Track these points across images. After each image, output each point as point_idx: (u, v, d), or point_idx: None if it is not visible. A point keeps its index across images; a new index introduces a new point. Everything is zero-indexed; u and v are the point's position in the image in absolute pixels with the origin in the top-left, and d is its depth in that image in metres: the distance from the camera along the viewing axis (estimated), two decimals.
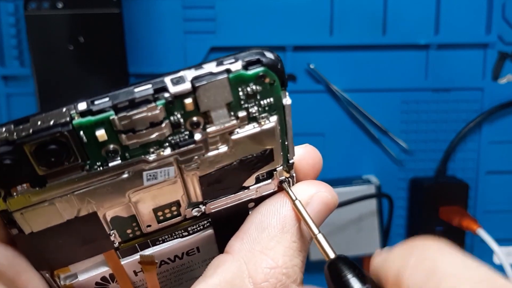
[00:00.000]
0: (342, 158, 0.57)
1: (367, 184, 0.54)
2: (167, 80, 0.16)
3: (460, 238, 0.56)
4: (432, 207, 0.55)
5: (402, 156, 0.57)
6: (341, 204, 0.52)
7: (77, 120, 0.16)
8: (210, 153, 0.18)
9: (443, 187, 0.55)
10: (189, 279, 0.23)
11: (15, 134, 0.16)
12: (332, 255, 0.18)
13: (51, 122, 0.16)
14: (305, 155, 0.21)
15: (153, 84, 0.16)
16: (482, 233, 0.51)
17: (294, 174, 0.21)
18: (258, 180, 0.20)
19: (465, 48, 0.55)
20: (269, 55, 0.17)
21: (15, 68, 0.53)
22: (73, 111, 0.16)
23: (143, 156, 0.17)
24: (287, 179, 0.20)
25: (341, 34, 0.54)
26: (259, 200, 0.20)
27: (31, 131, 0.16)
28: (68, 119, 0.16)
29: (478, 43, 0.55)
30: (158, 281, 0.21)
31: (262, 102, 0.18)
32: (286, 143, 0.19)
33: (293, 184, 0.21)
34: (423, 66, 0.55)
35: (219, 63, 0.17)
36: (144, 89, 0.16)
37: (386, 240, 0.57)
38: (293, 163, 0.20)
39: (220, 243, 0.21)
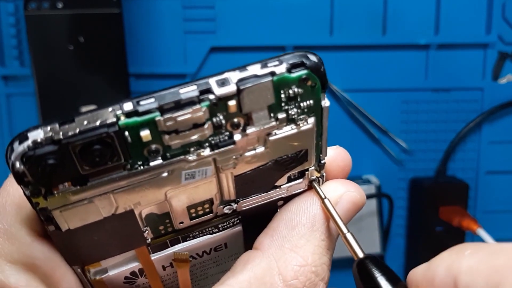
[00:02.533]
0: None
1: (367, 184, 0.54)
2: (212, 81, 0.16)
3: (460, 238, 0.56)
4: (432, 207, 0.55)
5: (402, 156, 0.57)
6: None
7: (123, 120, 0.16)
8: (247, 153, 0.18)
9: (443, 187, 0.56)
10: (214, 273, 0.23)
11: (61, 133, 0.15)
12: (361, 255, 0.18)
13: (98, 122, 0.16)
14: (336, 156, 0.22)
15: (198, 86, 0.16)
16: (482, 233, 0.51)
17: (324, 174, 0.21)
18: (289, 180, 0.20)
19: (465, 48, 0.55)
20: (313, 58, 0.17)
21: (15, 68, 0.53)
22: (119, 111, 0.16)
23: (183, 156, 0.17)
24: (317, 178, 0.20)
25: (341, 34, 0.54)
26: (288, 198, 0.21)
27: (77, 131, 0.16)
28: (114, 119, 0.16)
29: (478, 43, 0.55)
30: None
31: (302, 104, 0.18)
32: (320, 143, 0.19)
33: (322, 184, 0.21)
34: (423, 66, 0.55)
35: (264, 66, 0.17)
36: (189, 91, 0.16)
37: (386, 240, 0.57)
38: (324, 163, 0.20)
39: (247, 239, 0.22)
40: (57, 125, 0.16)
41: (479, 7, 0.54)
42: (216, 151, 0.17)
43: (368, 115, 0.56)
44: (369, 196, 0.54)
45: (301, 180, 0.20)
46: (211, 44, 0.54)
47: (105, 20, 0.50)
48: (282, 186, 0.20)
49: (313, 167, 0.20)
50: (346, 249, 0.19)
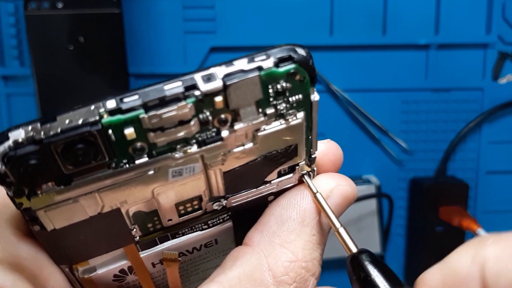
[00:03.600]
0: None
1: (367, 184, 0.54)
2: (198, 77, 0.16)
3: (460, 238, 0.55)
4: (432, 207, 0.55)
5: (402, 156, 0.57)
6: None
7: (107, 118, 0.15)
8: (236, 149, 0.18)
9: (443, 187, 0.55)
10: (205, 269, 0.23)
11: (42, 133, 0.15)
12: (354, 249, 0.18)
13: (80, 121, 0.15)
14: (327, 151, 0.21)
15: (183, 82, 0.16)
16: (482, 233, 0.51)
17: (315, 168, 0.21)
18: (279, 175, 0.20)
19: (465, 48, 0.55)
20: (301, 51, 0.17)
21: (15, 68, 0.53)
22: (102, 109, 0.15)
23: (170, 154, 0.17)
24: (308, 173, 0.20)
25: (341, 34, 0.54)
26: (278, 193, 0.20)
27: (59, 130, 0.15)
28: (97, 117, 0.15)
29: (478, 43, 0.55)
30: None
31: (290, 99, 0.17)
32: (310, 137, 0.19)
33: (313, 178, 0.21)
34: (423, 66, 0.55)
35: (250, 60, 0.16)
36: (174, 87, 0.16)
37: (386, 240, 0.57)
38: (315, 157, 0.20)
39: (238, 234, 0.21)
40: (38, 124, 0.15)
41: (479, 7, 0.54)
42: (204, 148, 0.17)
43: (368, 115, 0.56)
44: (369, 196, 0.54)
45: (291, 175, 0.20)
46: (211, 44, 0.54)
47: (105, 20, 0.50)
48: (272, 181, 0.20)
49: (303, 162, 0.20)
50: (343, 248, 0.19)
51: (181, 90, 0.16)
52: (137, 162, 0.16)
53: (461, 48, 0.55)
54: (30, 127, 0.15)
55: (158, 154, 0.17)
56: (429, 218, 0.55)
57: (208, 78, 0.16)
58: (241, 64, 0.16)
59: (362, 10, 0.54)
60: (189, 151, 0.17)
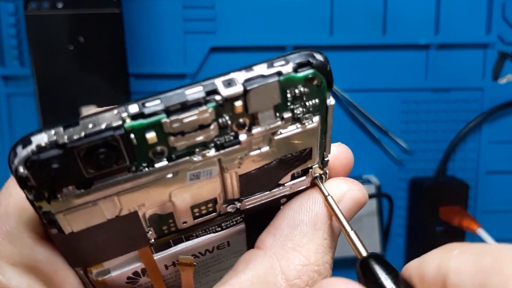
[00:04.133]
0: None
1: (367, 184, 0.54)
2: (218, 82, 0.16)
3: (460, 238, 0.56)
4: (432, 207, 0.55)
5: (402, 156, 0.57)
6: None
7: (129, 123, 0.16)
8: (253, 153, 0.18)
9: (443, 187, 0.56)
10: (216, 271, 0.23)
11: (65, 137, 0.15)
12: (364, 253, 0.18)
13: (103, 125, 0.15)
14: (338, 154, 0.22)
15: (204, 87, 0.16)
16: (482, 233, 0.51)
17: (327, 171, 0.21)
18: (293, 177, 0.20)
19: (465, 48, 0.55)
20: (319, 57, 0.18)
21: (15, 68, 0.53)
22: (124, 114, 0.16)
23: (189, 157, 0.17)
24: (320, 176, 0.20)
25: (341, 34, 0.54)
26: (291, 196, 0.21)
27: (83, 134, 0.15)
28: (120, 122, 0.16)
29: (478, 43, 0.55)
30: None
31: (307, 103, 0.18)
32: (324, 141, 0.19)
33: (325, 181, 0.21)
34: (423, 66, 0.55)
35: (270, 65, 0.17)
36: (195, 92, 0.16)
37: (386, 240, 0.57)
38: (327, 160, 0.20)
39: (250, 237, 0.22)
40: (61, 129, 0.15)
41: (479, 7, 0.54)
42: (222, 151, 0.17)
43: (368, 115, 0.56)
44: (369, 196, 0.53)
45: (304, 177, 0.20)
46: (211, 44, 0.54)
47: (105, 20, 0.50)
48: (286, 184, 0.20)
49: (316, 165, 0.20)
50: (349, 248, 0.19)
51: (203, 95, 0.16)
52: (157, 165, 0.17)
53: (461, 48, 0.55)
54: (53, 132, 0.15)
55: (177, 157, 0.17)
56: (429, 218, 0.55)
57: (229, 83, 0.16)
58: (261, 69, 0.17)
59: (362, 10, 0.54)
60: (207, 154, 0.17)
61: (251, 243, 0.21)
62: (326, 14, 0.54)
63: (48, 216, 0.17)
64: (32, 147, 0.15)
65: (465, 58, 0.55)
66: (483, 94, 0.56)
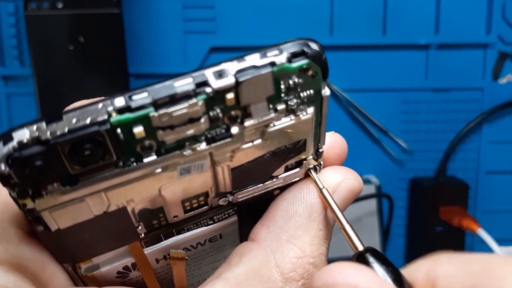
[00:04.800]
0: None
1: (367, 184, 0.54)
2: (209, 73, 0.16)
3: (460, 238, 0.56)
4: (432, 207, 0.55)
5: (402, 156, 0.57)
6: None
7: (115, 117, 0.15)
8: (245, 146, 0.17)
9: (443, 187, 0.55)
10: (208, 263, 0.23)
11: (48, 133, 0.15)
12: (360, 247, 0.18)
13: (88, 120, 0.15)
14: (332, 144, 0.21)
15: (194, 78, 0.15)
16: (482, 233, 0.51)
17: (321, 162, 0.20)
18: (287, 169, 0.20)
19: (465, 48, 0.55)
20: (314, 46, 0.17)
21: (15, 68, 0.53)
22: (110, 108, 0.15)
23: (178, 151, 0.16)
24: (314, 167, 0.20)
25: (341, 34, 0.54)
26: (284, 187, 0.20)
27: (66, 130, 0.15)
28: (105, 116, 0.15)
29: (478, 43, 0.55)
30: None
31: (302, 94, 0.17)
32: (318, 132, 0.19)
33: (319, 171, 0.20)
34: (423, 66, 0.55)
35: (263, 55, 0.16)
36: (185, 84, 0.15)
37: (386, 240, 0.57)
38: (322, 151, 0.20)
39: (243, 229, 0.21)
40: (43, 124, 0.15)
41: (479, 7, 0.54)
42: (213, 145, 0.17)
43: (368, 115, 0.56)
44: (369, 196, 0.54)
45: (298, 169, 0.20)
46: (211, 44, 0.54)
47: (105, 20, 0.50)
48: (279, 176, 0.19)
49: (311, 156, 0.19)
50: (348, 248, 0.19)
51: (192, 87, 0.15)
52: (145, 160, 0.16)
53: (461, 48, 0.55)
54: (35, 127, 0.15)
55: (166, 152, 0.16)
56: (429, 218, 0.55)
57: (220, 75, 0.16)
58: (253, 59, 0.16)
59: (362, 10, 0.54)
60: (198, 148, 0.16)
61: (244, 236, 0.20)
62: (326, 14, 0.54)
63: (33, 214, 0.16)
64: (14, 143, 0.15)
65: (465, 58, 0.55)
66: (483, 94, 0.56)
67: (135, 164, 0.16)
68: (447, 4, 0.54)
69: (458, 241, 0.56)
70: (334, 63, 0.55)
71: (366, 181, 0.55)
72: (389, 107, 0.56)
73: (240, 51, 0.58)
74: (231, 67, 0.16)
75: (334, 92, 0.55)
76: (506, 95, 0.56)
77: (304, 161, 0.20)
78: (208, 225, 0.21)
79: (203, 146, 0.17)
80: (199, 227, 0.20)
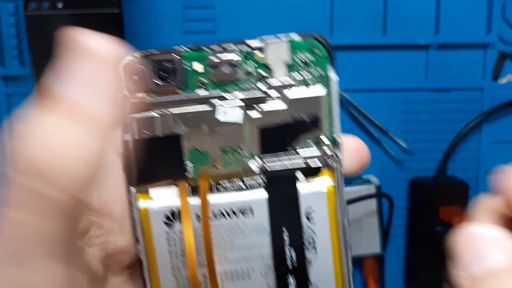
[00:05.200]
0: None
1: (367, 184, 0.54)
2: (245, 40, 0.22)
3: None
4: (432, 207, 0.55)
5: (402, 156, 0.57)
6: None
7: (185, 51, 0.21)
8: (272, 106, 0.21)
9: (443, 187, 0.56)
10: (241, 247, 0.22)
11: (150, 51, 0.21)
12: None
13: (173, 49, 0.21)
14: (361, 151, 0.22)
15: (237, 42, 0.22)
16: None
17: (340, 157, 0.22)
18: (306, 145, 0.22)
19: (465, 48, 0.55)
20: (320, 35, 0.21)
21: (15, 68, 0.53)
22: (185, 48, 0.21)
23: (223, 93, 0.21)
24: (332, 156, 0.22)
25: (341, 34, 0.54)
26: (308, 172, 0.22)
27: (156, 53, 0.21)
28: (181, 50, 0.21)
29: (478, 43, 0.55)
30: (213, 235, 0.22)
31: (312, 71, 0.21)
32: (332, 116, 0.21)
33: (340, 169, 0.22)
34: (423, 66, 0.55)
35: (277, 37, 0.21)
36: (230, 43, 0.22)
37: (386, 240, 0.57)
38: (340, 143, 0.22)
39: (272, 213, 0.22)
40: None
41: (479, 7, 0.54)
42: (247, 95, 0.21)
43: (368, 115, 0.56)
44: (369, 196, 0.54)
45: (315, 147, 0.22)
46: None
47: (105, 20, 0.50)
48: (299, 150, 0.22)
49: (327, 139, 0.22)
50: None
51: (234, 47, 0.21)
52: (199, 92, 0.21)
53: (461, 48, 0.55)
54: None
55: (214, 90, 0.21)
56: (429, 218, 0.55)
57: (251, 39, 0.22)
58: (271, 37, 0.22)
59: (362, 10, 0.54)
60: (237, 93, 0.21)
61: (274, 223, 0.21)
62: (326, 14, 0.54)
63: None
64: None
65: (465, 58, 0.55)
66: (483, 94, 0.56)
67: (191, 93, 0.21)
68: (447, 4, 0.54)
69: None
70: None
71: (366, 181, 0.55)
72: (389, 107, 0.56)
73: None
74: (258, 39, 0.22)
75: None
76: (506, 95, 0.56)
77: (321, 139, 0.22)
78: (241, 189, 0.22)
79: (240, 95, 0.21)
80: (233, 191, 0.22)
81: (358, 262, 0.57)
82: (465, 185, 0.55)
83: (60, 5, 0.49)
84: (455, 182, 0.56)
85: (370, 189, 0.54)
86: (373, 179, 0.56)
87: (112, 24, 0.50)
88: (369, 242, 0.55)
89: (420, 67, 0.55)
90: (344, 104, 0.55)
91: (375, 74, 0.55)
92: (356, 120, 0.56)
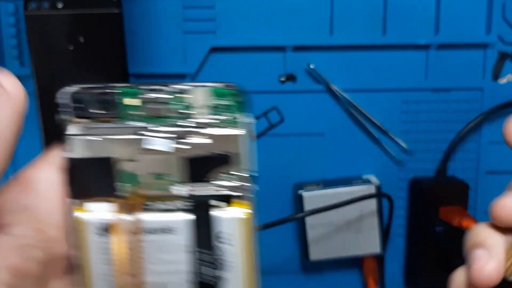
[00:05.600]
0: (342, 158, 0.57)
1: (367, 184, 0.54)
2: (177, 83, 0.24)
3: (460, 238, 0.55)
4: (432, 207, 0.55)
5: (402, 156, 0.57)
6: (341, 204, 0.52)
7: (121, 87, 0.24)
8: (195, 140, 0.24)
9: (443, 187, 0.56)
10: (164, 262, 0.25)
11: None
12: None
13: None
14: None
15: (170, 84, 0.24)
16: None
17: (254, 189, 0.25)
18: (224, 177, 0.24)
19: (465, 48, 0.55)
20: (235, 85, 0.24)
21: (15, 68, 0.53)
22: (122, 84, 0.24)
23: (153, 125, 0.24)
24: (248, 189, 0.24)
25: (341, 34, 0.54)
26: (225, 199, 0.24)
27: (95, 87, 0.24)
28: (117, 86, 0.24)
29: (478, 43, 0.55)
30: (140, 248, 0.25)
31: (230, 113, 0.24)
32: (246, 153, 0.24)
33: (254, 202, 0.24)
34: (423, 66, 0.55)
35: (204, 84, 0.24)
36: (166, 84, 0.24)
37: (386, 240, 0.57)
38: (254, 176, 0.24)
39: (198, 235, 0.24)
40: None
41: (479, 7, 0.54)
42: (176, 128, 0.24)
43: (368, 115, 0.56)
44: (369, 196, 0.54)
45: (232, 179, 0.24)
46: (211, 44, 0.54)
47: (105, 20, 0.50)
48: (218, 180, 0.24)
49: (241, 172, 0.24)
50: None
51: (166, 88, 0.24)
52: (132, 123, 0.24)
53: (461, 48, 0.55)
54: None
55: (147, 123, 0.24)
56: (429, 218, 0.55)
57: (181, 91, 0.24)
58: (198, 83, 0.24)
59: (362, 10, 0.54)
60: (164, 128, 0.24)
61: (192, 243, 0.24)
62: (326, 14, 0.54)
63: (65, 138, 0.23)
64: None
65: (465, 58, 0.55)
66: (483, 94, 0.56)
67: (125, 123, 0.24)
68: (447, 4, 0.54)
69: (458, 241, 0.56)
70: (334, 63, 0.55)
71: (366, 181, 0.55)
72: (389, 107, 0.56)
73: (240, 51, 0.58)
74: (187, 84, 0.24)
75: (334, 92, 0.55)
76: (506, 95, 0.56)
77: (237, 173, 0.24)
78: (165, 211, 0.24)
79: (167, 128, 0.24)
80: (159, 211, 0.24)
81: (358, 262, 0.57)
82: (465, 185, 0.55)
83: (60, 5, 0.49)
84: (455, 182, 0.56)
85: (370, 189, 0.54)
86: (373, 179, 0.56)
87: (112, 24, 0.50)
88: (369, 242, 0.55)
89: (420, 67, 0.55)
90: (344, 104, 0.55)
91: (375, 74, 0.55)
92: (356, 120, 0.56)
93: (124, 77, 0.51)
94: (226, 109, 0.24)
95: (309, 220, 0.54)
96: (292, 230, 0.58)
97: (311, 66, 0.54)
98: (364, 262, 0.57)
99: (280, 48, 0.54)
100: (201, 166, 0.24)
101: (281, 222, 0.51)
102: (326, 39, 0.54)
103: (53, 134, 0.52)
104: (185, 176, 0.24)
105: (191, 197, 0.24)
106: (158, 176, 0.24)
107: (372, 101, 0.55)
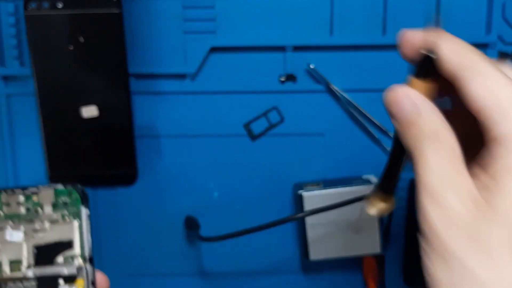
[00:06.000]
0: (342, 158, 0.57)
1: (367, 184, 0.54)
2: (28, 185, 0.32)
3: None
4: None
5: None
6: (341, 204, 0.52)
7: None
8: (43, 230, 0.31)
9: None
10: None
11: None
12: None
13: None
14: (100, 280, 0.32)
15: (23, 188, 0.32)
16: None
17: (90, 270, 0.32)
18: (67, 260, 0.31)
19: None
20: (76, 184, 0.31)
21: (15, 68, 0.53)
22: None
23: (11, 221, 0.31)
24: (85, 270, 0.31)
25: (341, 34, 0.54)
26: (67, 279, 0.31)
27: None
28: None
29: (478, 43, 0.55)
30: None
31: (69, 209, 0.31)
32: (84, 240, 0.31)
33: (91, 280, 0.32)
34: None
35: (49, 185, 0.31)
36: (20, 188, 0.32)
37: (386, 240, 0.57)
38: (90, 258, 0.31)
39: None
40: None
41: (479, 7, 0.54)
42: (27, 224, 0.31)
43: (368, 115, 0.56)
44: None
45: (73, 261, 0.31)
46: (211, 44, 0.54)
47: (105, 20, 0.50)
48: (62, 263, 0.31)
49: (80, 256, 0.31)
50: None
51: (20, 191, 0.31)
52: None
53: None
54: None
55: (5, 220, 0.31)
56: None
57: (35, 192, 0.32)
58: (44, 185, 0.32)
59: (362, 10, 0.54)
60: (19, 222, 0.31)
61: None
62: (326, 14, 0.54)
63: None
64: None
65: None
66: None
67: None
68: (447, 4, 0.54)
69: None
70: (334, 63, 0.55)
71: (366, 181, 0.55)
72: None
73: (240, 51, 0.58)
74: (36, 186, 0.32)
75: (334, 92, 0.55)
76: None
77: (76, 257, 0.31)
78: None
79: (22, 223, 0.31)
80: None
81: (358, 262, 0.57)
82: None
83: (60, 5, 0.49)
84: None
85: (370, 189, 0.54)
86: (373, 179, 0.56)
87: (112, 24, 0.50)
88: (369, 242, 0.55)
89: None
90: (344, 104, 0.55)
91: (375, 74, 0.55)
92: (356, 120, 0.56)
93: (124, 77, 0.51)
94: (68, 204, 0.31)
95: (309, 220, 0.54)
96: (292, 230, 0.58)
97: (311, 66, 0.54)
98: (364, 262, 0.57)
99: (280, 48, 0.54)
100: (49, 252, 0.31)
101: (281, 222, 0.51)
102: (326, 39, 0.54)
103: (53, 134, 0.52)
104: (36, 261, 0.31)
105: (39, 278, 0.31)
106: (15, 261, 0.31)
107: (372, 101, 0.55)
